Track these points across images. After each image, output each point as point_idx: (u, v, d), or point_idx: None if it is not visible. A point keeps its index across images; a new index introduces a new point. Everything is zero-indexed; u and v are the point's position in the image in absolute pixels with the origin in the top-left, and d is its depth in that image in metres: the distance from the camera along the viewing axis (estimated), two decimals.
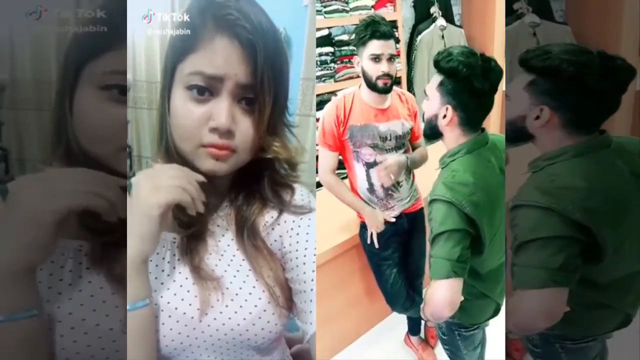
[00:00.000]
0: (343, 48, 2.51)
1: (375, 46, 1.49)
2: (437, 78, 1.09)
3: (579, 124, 0.93)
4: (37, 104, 2.14)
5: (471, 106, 1.06)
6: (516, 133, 1.00)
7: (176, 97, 0.72)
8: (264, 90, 0.72)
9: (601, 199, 0.87)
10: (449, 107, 1.07)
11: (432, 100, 1.10)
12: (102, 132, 0.70)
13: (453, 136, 1.10)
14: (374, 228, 1.65)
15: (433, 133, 1.13)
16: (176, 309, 0.74)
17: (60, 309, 0.70)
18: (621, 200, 0.90)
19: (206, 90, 0.71)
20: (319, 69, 2.45)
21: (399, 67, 2.62)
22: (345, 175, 1.75)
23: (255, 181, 0.81)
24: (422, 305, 1.06)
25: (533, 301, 0.87)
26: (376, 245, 1.67)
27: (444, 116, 1.08)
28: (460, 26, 2.95)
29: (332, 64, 2.50)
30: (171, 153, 0.75)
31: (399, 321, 2.06)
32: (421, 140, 1.69)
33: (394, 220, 1.68)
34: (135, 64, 2.30)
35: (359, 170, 1.64)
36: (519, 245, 0.89)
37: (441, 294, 0.97)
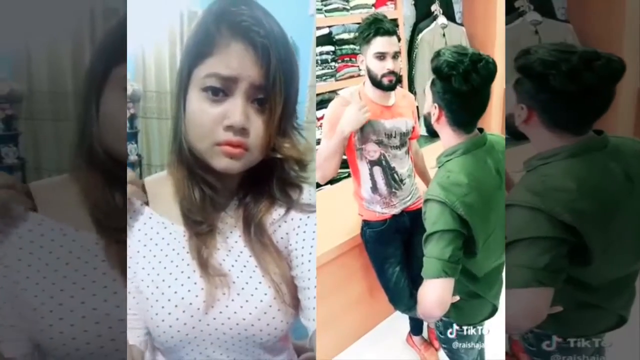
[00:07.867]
0: (344, 47, 2.51)
1: (379, 44, 1.49)
2: (431, 76, 1.09)
3: (559, 123, 0.91)
4: (53, 115, 2.18)
5: (454, 107, 1.05)
6: (511, 131, 0.99)
7: (192, 99, 0.76)
8: (275, 91, 0.75)
9: (590, 201, 0.87)
10: (437, 106, 1.07)
11: (427, 98, 1.11)
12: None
13: (446, 135, 1.10)
14: (356, 123, 1.47)
15: (430, 131, 1.14)
16: (183, 298, 0.77)
17: (63, 292, 0.73)
18: (611, 203, 0.89)
19: (220, 91, 0.74)
20: (320, 67, 2.44)
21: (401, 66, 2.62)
22: (347, 175, 1.75)
23: (264, 181, 0.83)
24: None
25: (517, 301, 0.87)
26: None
27: (434, 114, 1.08)
28: (461, 24, 2.94)
29: (333, 63, 2.50)
30: (184, 154, 0.78)
31: (400, 321, 2.05)
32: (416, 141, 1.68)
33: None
34: (145, 74, 2.31)
35: (362, 169, 1.64)
36: (508, 244, 0.90)
37: (432, 294, 0.97)
